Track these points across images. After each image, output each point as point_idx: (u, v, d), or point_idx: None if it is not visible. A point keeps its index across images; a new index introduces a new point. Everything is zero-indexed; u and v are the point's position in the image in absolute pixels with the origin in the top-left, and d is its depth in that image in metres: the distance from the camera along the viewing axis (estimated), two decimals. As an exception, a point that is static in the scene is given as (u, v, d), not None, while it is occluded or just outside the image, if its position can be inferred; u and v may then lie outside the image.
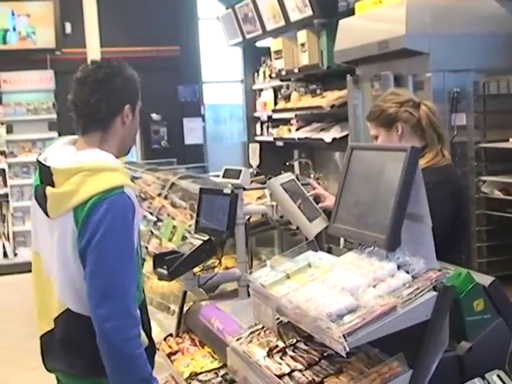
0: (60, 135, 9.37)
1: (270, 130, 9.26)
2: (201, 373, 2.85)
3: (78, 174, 2.18)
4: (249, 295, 2.51)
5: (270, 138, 8.94)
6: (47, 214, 2.25)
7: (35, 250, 2.40)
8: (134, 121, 2.37)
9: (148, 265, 4.02)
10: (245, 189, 3.14)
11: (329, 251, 2.44)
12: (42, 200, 2.26)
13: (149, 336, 2.38)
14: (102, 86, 2.27)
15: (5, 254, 9.42)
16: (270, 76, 8.71)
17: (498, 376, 1.94)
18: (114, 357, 2.14)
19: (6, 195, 9.52)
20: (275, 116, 8.95)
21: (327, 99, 6.98)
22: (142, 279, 2.44)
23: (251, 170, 5.30)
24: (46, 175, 2.25)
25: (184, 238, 3.63)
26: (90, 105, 2.27)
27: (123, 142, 2.37)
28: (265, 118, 9.41)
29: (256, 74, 9.83)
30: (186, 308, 3.32)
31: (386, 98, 3.01)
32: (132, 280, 2.20)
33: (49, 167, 2.23)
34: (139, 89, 2.40)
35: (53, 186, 2.22)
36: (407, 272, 1.93)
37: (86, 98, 2.28)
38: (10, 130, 9.58)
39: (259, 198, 3.57)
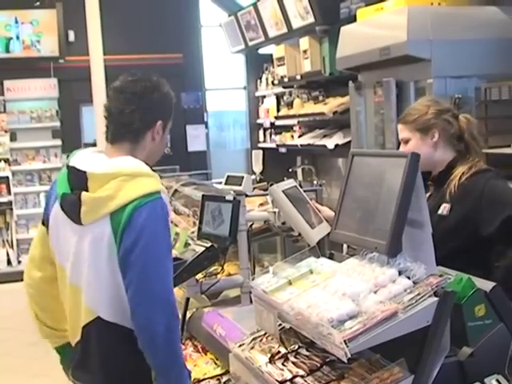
0: (63, 143, 9.38)
1: (273, 136, 9.28)
2: (203, 379, 2.86)
3: (115, 179, 2.18)
4: (251, 301, 2.52)
5: (273, 145, 8.96)
6: (77, 221, 2.23)
7: (60, 263, 2.37)
8: (163, 137, 2.39)
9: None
10: (247, 195, 3.15)
11: (330, 257, 2.45)
12: (72, 207, 2.23)
13: None
14: (139, 99, 2.28)
15: (8, 262, 9.43)
16: (273, 83, 8.74)
17: (497, 381, 1.94)
18: (168, 356, 2.17)
19: (10, 203, 9.54)
20: (278, 123, 8.98)
21: (330, 106, 7.00)
22: None
23: (254, 177, 5.31)
24: (79, 181, 2.23)
25: (187, 244, 3.63)
26: (124, 115, 2.28)
27: (150, 157, 2.37)
28: (268, 124, 9.43)
29: (259, 80, 9.86)
30: (188, 314, 3.33)
31: (424, 103, 2.96)
32: (172, 282, 2.23)
33: (84, 172, 2.22)
34: (173, 107, 2.41)
35: (87, 191, 2.21)
36: (408, 278, 1.93)
37: (121, 107, 2.28)
38: (13, 138, 9.61)
39: (261, 204, 3.58)
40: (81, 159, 2.29)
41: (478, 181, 2.79)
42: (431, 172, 2.94)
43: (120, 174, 2.19)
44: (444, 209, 2.79)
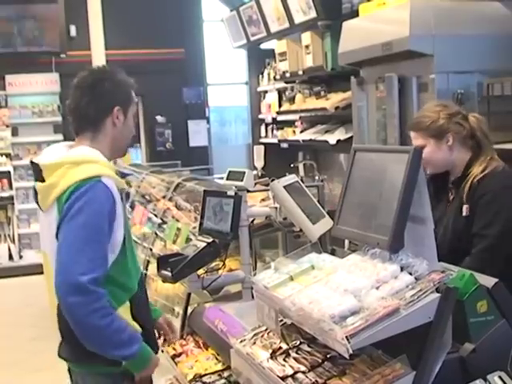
0: (65, 138, 9.41)
1: (275, 131, 9.27)
2: (205, 375, 2.86)
3: (61, 168, 2.33)
4: (253, 297, 2.52)
5: (275, 140, 8.94)
6: (41, 208, 2.42)
7: (42, 249, 2.53)
8: (126, 123, 2.52)
9: (152, 267, 4.03)
10: (248, 191, 3.14)
11: (332, 253, 2.45)
12: (35, 197, 2.44)
13: (143, 327, 2.45)
14: (91, 90, 2.45)
15: (10, 257, 9.44)
16: (275, 78, 8.72)
17: (500, 377, 1.93)
18: (80, 329, 2.25)
19: (12, 197, 9.55)
20: (280, 118, 8.96)
21: (331, 101, 6.98)
22: (137, 271, 2.53)
23: (255, 172, 5.30)
24: (37, 172, 2.41)
25: (188, 240, 3.64)
26: (81, 107, 2.46)
27: (116, 143, 2.51)
28: (269, 119, 9.42)
29: (260, 75, 9.84)
30: (190, 310, 3.33)
31: (433, 109, 2.99)
32: (96, 262, 2.25)
33: (37, 164, 2.40)
34: (131, 93, 2.55)
35: (43, 181, 2.37)
36: (410, 274, 1.93)
37: (77, 101, 2.46)
38: (15, 133, 9.62)
39: (263, 199, 3.57)
40: (44, 152, 2.49)
41: (486, 185, 2.83)
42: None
43: (66, 163, 2.35)
44: (466, 210, 2.85)
